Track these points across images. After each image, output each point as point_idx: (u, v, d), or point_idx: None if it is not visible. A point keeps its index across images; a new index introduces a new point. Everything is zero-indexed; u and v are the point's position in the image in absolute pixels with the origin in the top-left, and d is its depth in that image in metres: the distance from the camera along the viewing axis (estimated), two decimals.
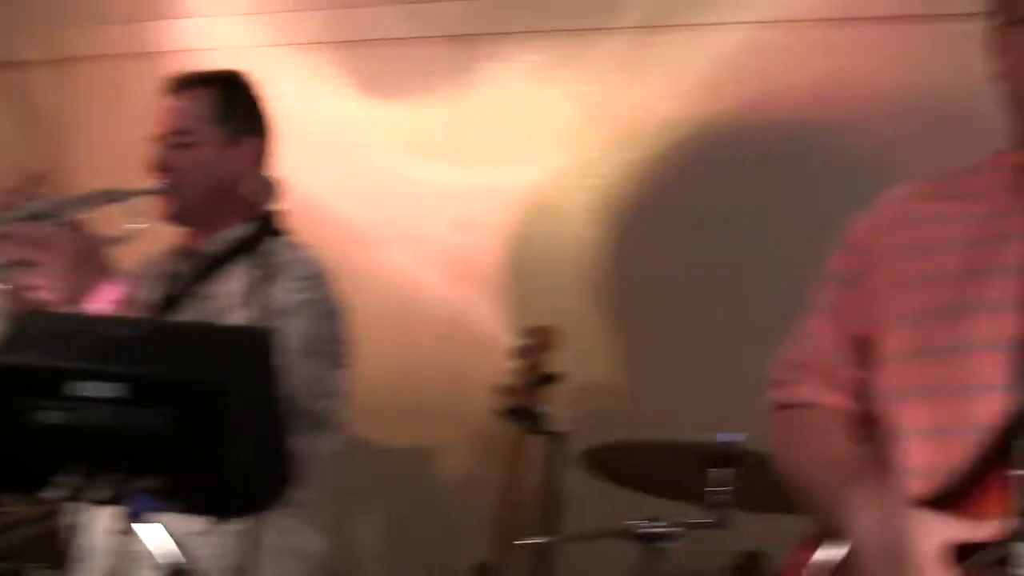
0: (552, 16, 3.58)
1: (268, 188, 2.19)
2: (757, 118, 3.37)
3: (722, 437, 2.56)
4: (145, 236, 2.20)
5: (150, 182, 2.30)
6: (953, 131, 2.89)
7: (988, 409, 1.56)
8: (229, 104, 2.36)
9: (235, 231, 2.31)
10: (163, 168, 2.31)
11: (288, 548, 2.21)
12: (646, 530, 2.59)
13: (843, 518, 1.64)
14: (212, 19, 3.99)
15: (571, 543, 2.90)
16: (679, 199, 3.45)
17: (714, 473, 2.55)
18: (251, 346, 1.61)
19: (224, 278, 2.26)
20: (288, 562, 2.22)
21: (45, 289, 2.03)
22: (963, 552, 1.49)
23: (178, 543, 1.50)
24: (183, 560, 1.49)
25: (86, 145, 4.02)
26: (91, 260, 2.08)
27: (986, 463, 1.55)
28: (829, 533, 1.67)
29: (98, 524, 2.20)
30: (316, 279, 2.26)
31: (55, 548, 2.34)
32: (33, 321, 1.69)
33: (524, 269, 3.57)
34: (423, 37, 3.74)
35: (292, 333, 2.10)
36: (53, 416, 1.49)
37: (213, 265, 2.29)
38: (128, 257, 2.22)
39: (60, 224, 2.10)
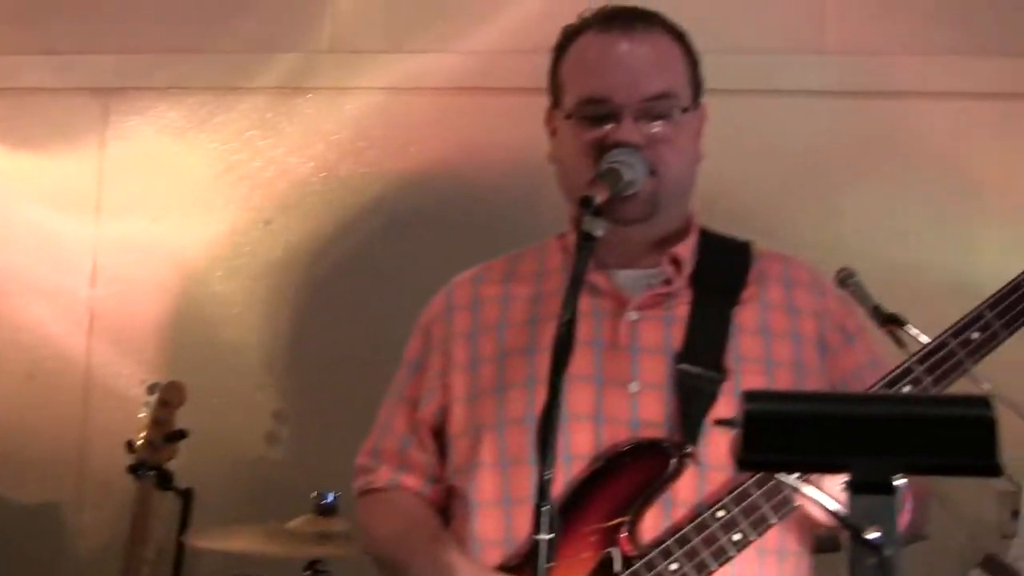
0: (195, 73, 3.59)
1: None
2: (394, 179, 3.47)
3: None
4: None
5: None
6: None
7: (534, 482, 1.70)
8: None
9: None
10: None
11: None
12: None
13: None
14: None
15: None
16: (306, 257, 3.49)
17: None
18: None
19: None
20: None
21: None
22: None
23: None
24: None
25: None
26: None
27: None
28: None
29: None
30: None
31: None
32: None
33: (159, 324, 3.55)
34: (64, 89, 3.67)
35: None
36: None
37: None
38: None
39: None
